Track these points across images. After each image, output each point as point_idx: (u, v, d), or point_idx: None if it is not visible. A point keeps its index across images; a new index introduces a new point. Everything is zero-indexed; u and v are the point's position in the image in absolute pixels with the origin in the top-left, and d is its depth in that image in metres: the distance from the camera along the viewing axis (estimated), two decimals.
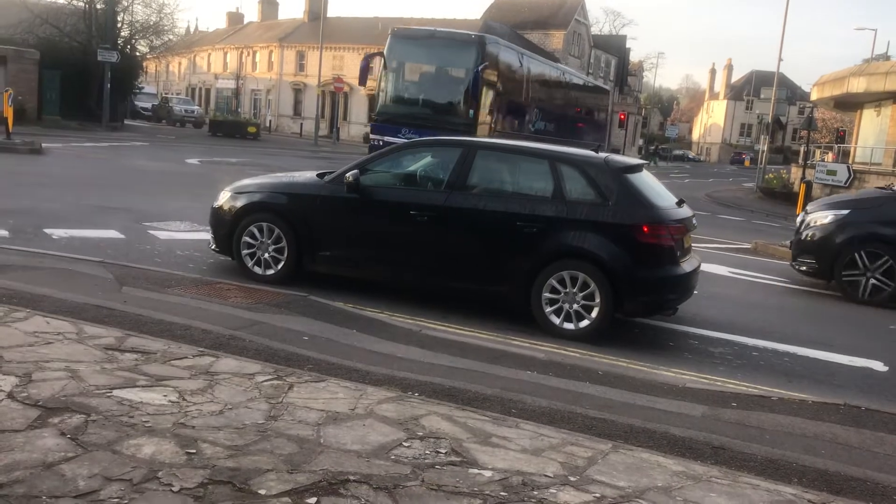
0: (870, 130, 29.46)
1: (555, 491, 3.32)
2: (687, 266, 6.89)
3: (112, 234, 9.17)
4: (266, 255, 7.49)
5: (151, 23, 38.65)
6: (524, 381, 5.16)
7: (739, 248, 14.69)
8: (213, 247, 7.92)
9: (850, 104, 31.19)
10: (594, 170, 6.86)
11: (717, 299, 9.20)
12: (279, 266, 7.47)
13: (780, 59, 37.75)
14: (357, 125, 57.18)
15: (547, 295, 6.66)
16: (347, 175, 7.23)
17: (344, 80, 51.41)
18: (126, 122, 39.14)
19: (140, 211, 11.00)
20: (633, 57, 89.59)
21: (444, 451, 3.62)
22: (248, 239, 7.53)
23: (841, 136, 41.71)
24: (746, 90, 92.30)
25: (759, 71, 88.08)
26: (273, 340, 5.40)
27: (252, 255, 7.55)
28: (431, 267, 7.17)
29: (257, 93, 66.79)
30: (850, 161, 28.37)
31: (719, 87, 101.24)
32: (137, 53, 39.73)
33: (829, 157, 33.13)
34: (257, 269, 7.52)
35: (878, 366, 6.83)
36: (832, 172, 26.10)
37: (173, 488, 2.96)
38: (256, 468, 3.21)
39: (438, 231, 7.04)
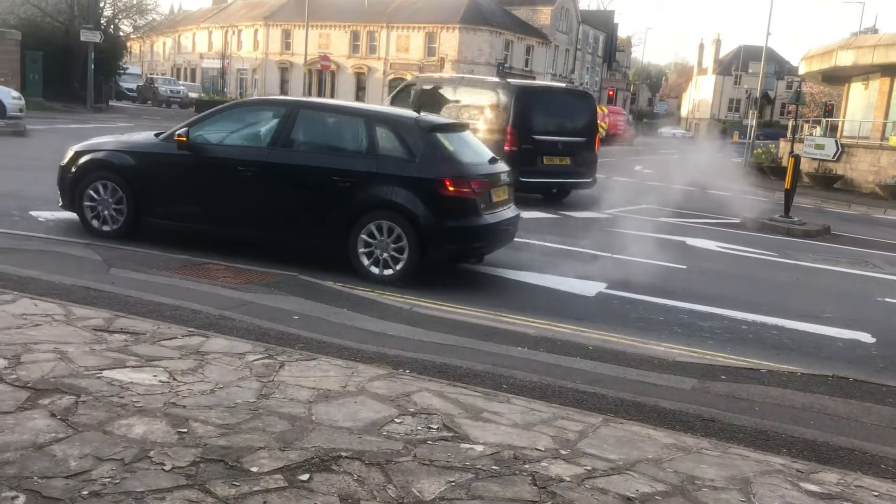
0: (858, 104, 29.48)
1: (546, 464, 3.34)
2: (491, 217, 7.36)
3: None
4: (107, 211, 7.76)
5: (135, 2, 38.21)
6: (515, 357, 5.17)
7: (728, 222, 14.73)
8: (60, 204, 8.17)
9: (838, 78, 31.17)
10: (404, 128, 7.34)
11: (705, 274, 9.24)
12: (120, 222, 7.74)
13: (769, 34, 37.74)
14: None
15: (362, 249, 7.10)
16: (178, 132, 7.59)
17: (330, 58, 51.05)
18: (111, 103, 38.73)
19: None
20: (622, 32, 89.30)
21: (435, 426, 3.63)
22: (89, 199, 7.77)
23: (829, 110, 41.73)
24: (734, 65, 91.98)
25: (747, 45, 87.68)
26: (263, 320, 5.39)
27: (94, 212, 7.79)
28: (257, 221, 7.50)
29: (243, 72, 66.25)
30: (838, 135, 28.41)
31: (707, 62, 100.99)
32: (121, 34, 39.29)
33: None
34: (105, 228, 7.76)
35: (866, 337, 6.87)
36: (820, 147, 26.17)
37: (165, 467, 2.96)
38: (248, 446, 3.21)
39: (262, 186, 7.36)
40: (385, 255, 7.05)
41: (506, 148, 13.12)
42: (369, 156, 7.21)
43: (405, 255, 7.00)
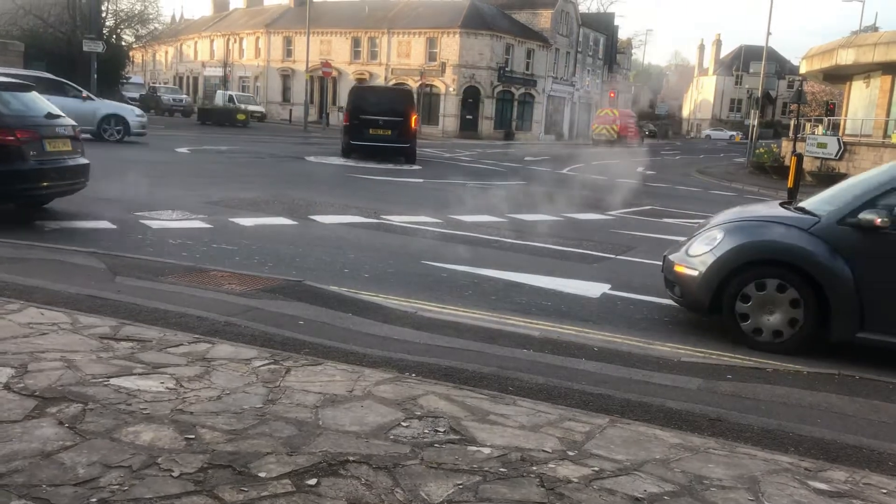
0: (859, 102, 29.46)
1: (553, 466, 3.34)
2: (41, 164, 8.53)
3: (104, 224, 9.12)
4: None
5: (136, 11, 38.46)
6: (520, 360, 5.17)
7: None
8: None
9: (839, 76, 31.16)
10: None
11: None
12: None
13: (769, 33, 37.69)
14: None
15: None
16: None
17: (332, 64, 51.15)
18: None
19: (131, 200, 10.94)
20: (622, 34, 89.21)
21: (442, 429, 3.64)
22: None
23: (831, 109, 41.70)
24: (735, 65, 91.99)
25: (747, 45, 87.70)
26: (269, 326, 5.39)
27: None
28: None
29: (245, 80, 66.39)
30: (840, 133, 28.39)
31: (708, 62, 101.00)
32: (123, 43, 39.46)
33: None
34: None
35: None
36: (822, 145, 26.15)
37: (173, 474, 2.97)
38: (256, 452, 3.22)
39: None
40: None
41: (344, 122, 22.89)
42: None
43: None
